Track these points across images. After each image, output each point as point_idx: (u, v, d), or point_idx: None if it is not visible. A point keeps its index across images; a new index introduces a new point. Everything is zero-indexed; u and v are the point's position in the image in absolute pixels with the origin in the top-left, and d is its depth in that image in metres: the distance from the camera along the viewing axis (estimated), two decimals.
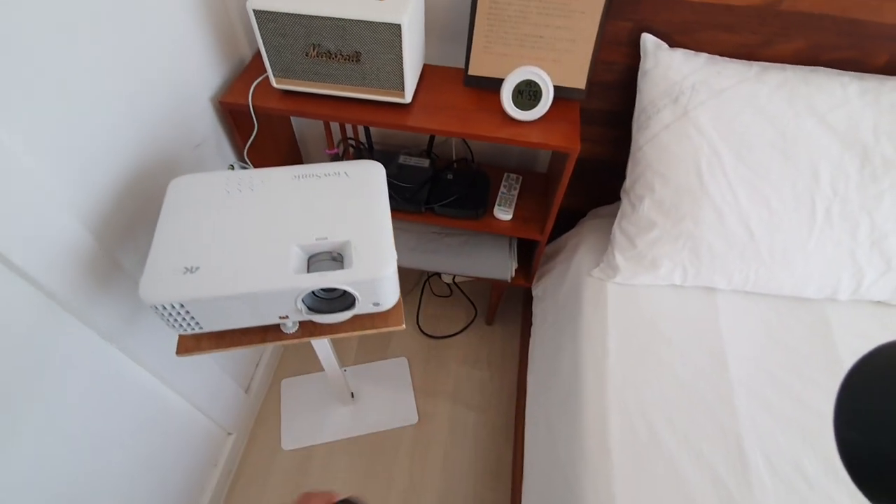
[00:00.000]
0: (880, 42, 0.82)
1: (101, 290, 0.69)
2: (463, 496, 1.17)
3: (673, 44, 0.86)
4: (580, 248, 1.09)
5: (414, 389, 1.33)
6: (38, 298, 0.60)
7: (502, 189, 1.10)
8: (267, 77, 0.90)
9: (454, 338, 1.43)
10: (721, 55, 0.86)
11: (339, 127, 1.09)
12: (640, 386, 0.85)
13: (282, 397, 1.31)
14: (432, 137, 1.13)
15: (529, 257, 1.22)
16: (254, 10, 0.78)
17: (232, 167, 0.81)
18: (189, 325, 0.62)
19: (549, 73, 0.84)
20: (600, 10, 0.83)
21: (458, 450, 1.24)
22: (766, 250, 0.88)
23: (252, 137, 0.95)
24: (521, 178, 1.13)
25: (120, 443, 0.80)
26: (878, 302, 0.94)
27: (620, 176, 0.98)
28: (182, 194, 0.68)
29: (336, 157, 1.10)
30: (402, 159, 1.14)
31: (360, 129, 1.15)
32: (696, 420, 0.81)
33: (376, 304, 0.66)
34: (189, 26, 0.84)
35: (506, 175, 1.13)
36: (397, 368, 1.37)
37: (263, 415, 1.28)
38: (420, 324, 1.46)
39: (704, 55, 0.85)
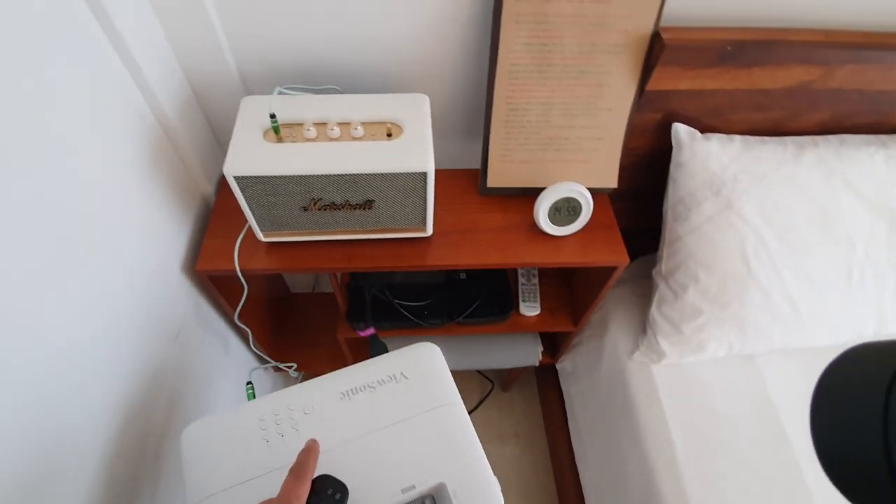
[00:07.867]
0: None
1: None
2: None
3: (703, 127, 0.80)
4: (610, 325, 1.04)
5: None
6: None
7: (521, 280, 1.01)
8: (249, 230, 0.72)
9: (473, 413, 1.35)
10: (751, 133, 0.81)
11: None
12: (716, 481, 0.83)
13: None
14: None
15: (551, 335, 1.15)
16: (234, 178, 0.61)
17: (250, 385, 0.64)
18: None
19: (579, 178, 0.75)
20: (629, 106, 0.74)
21: None
22: (808, 318, 0.87)
23: (242, 301, 0.77)
24: None
25: None
26: None
27: (636, 240, 0.91)
28: (205, 457, 0.52)
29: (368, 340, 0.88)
30: None
31: None
32: None
33: None
34: (135, 192, 0.64)
35: None
36: None
37: None
38: None
39: (738, 139, 0.80)
